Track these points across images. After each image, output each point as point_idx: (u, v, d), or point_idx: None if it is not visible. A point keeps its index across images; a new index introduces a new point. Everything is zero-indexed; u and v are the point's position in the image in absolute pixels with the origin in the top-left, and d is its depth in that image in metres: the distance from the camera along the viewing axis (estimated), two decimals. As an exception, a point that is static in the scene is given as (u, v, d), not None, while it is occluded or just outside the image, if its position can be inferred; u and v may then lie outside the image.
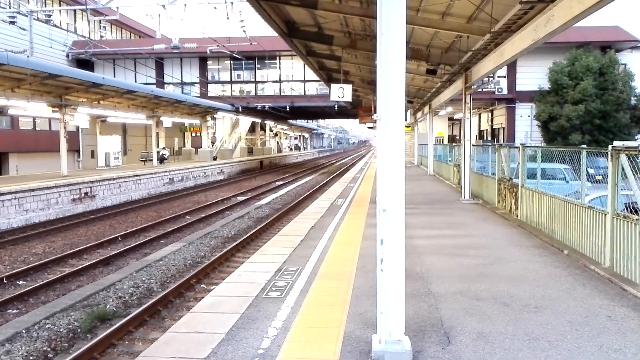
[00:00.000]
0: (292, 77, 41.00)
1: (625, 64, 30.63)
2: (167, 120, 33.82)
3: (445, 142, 38.05)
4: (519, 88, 33.18)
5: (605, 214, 6.93)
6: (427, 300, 5.75)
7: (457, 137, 40.74)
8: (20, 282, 10.25)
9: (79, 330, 7.54)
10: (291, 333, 4.84)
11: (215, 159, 38.07)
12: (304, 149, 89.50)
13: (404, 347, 4.19)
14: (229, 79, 41.31)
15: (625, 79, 28.62)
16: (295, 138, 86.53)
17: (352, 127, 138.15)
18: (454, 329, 4.89)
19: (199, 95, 38.67)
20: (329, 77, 24.47)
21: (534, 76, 31.78)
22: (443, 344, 4.56)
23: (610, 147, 6.77)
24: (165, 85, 39.56)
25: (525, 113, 33.08)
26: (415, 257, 7.75)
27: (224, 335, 4.83)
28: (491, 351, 4.39)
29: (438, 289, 6.18)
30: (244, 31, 24.67)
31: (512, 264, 7.41)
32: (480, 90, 17.03)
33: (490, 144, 17.32)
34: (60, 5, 37.04)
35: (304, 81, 40.39)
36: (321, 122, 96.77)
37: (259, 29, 61.38)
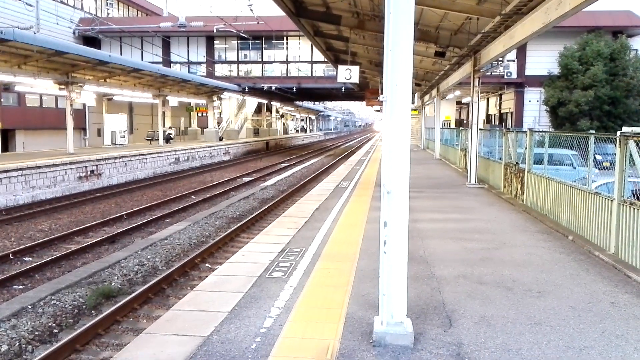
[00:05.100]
0: (299, 57, 40.69)
1: (636, 50, 30.19)
2: (174, 100, 33.75)
3: (453, 126, 37.83)
4: (528, 72, 32.82)
5: (611, 201, 6.88)
6: (429, 283, 5.76)
7: (465, 121, 40.49)
8: (26, 258, 10.33)
9: (84, 306, 7.61)
10: (293, 313, 4.86)
11: (221, 139, 38.04)
12: (310, 131, 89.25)
13: (406, 329, 4.20)
14: (235, 59, 41.06)
15: (636, 65, 28.22)
16: (302, 120, 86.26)
17: (359, 110, 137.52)
18: (456, 312, 4.90)
19: (205, 74, 38.46)
20: (336, 58, 24.28)
21: (543, 60, 31.40)
22: (445, 326, 4.57)
23: (618, 133, 6.71)
24: (172, 64, 39.38)
25: (534, 98, 32.76)
26: (419, 241, 7.75)
27: (227, 313, 4.86)
28: (493, 335, 4.39)
29: (441, 272, 6.18)
30: (251, 10, 24.49)
31: (516, 248, 7.40)
32: (489, 73, 16.86)
33: (497, 129, 17.20)
34: (67, -18, 36.77)
35: (311, 62, 40.10)
36: (328, 104, 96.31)
37: (266, 8, 60.84)
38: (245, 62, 41.08)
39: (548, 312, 4.92)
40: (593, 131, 8.38)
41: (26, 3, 21.88)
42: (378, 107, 34.60)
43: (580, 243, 7.58)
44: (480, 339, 4.32)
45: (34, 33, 19.21)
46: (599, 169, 8.28)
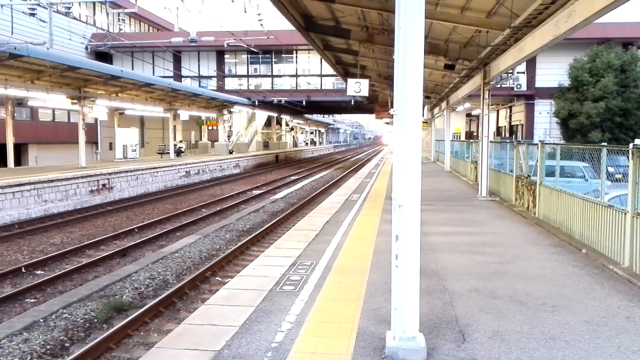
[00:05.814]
0: (308, 71, 40.90)
1: (647, 61, 30.01)
2: (184, 114, 34.02)
3: (463, 138, 37.72)
4: (538, 84, 32.74)
5: (625, 213, 6.81)
6: (442, 298, 5.71)
7: (475, 134, 40.38)
8: (39, 272, 10.39)
9: (95, 320, 7.62)
10: (305, 327, 4.84)
11: (231, 152, 38.22)
12: (320, 143, 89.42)
13: (418, 343, 4.16)
14: (245, 73, 41.36)
15: (647, 76, 28.10)
16: (311, 133, 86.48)
17: (368, 123, 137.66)
18: (469, 327, 4.85)
19: (215, 88, 38.76)
20: (345, 71, 24.39)
21: (553, 72, 31.34)
22: (458, 341, 4.52)
23: (631, 145, 6.66)
24: (183, 79, 39.73)
25: (544, 110, 32.65)
26: (430, 254, 7.70)
27: (238, 328, 4.84)
28: (507, 350, 4.34)
29: (453, 286, 6.13)
30: (261, 25, 24.66)
31: (529, 262, 7.33)
32: (499, 86, 16.88)
33: (508, 141, 17.14)
34: (80, -2, 37.31)
35: (321, 75, 40.28)
36: (337, 117, 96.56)
37: (276, 22, 61.38)
38: (255, 76, 41.36)
39: (562, 326, 4.86)
40: (605, 143, 8.33)
41: (40, 19, 22.19)
42: (387, 120, 34.64)
43: (594, 256, 7.50)
44: (494, 354, 4.27)
45: (47, 49, 19.43)
46: (611, 181, 8.20)
